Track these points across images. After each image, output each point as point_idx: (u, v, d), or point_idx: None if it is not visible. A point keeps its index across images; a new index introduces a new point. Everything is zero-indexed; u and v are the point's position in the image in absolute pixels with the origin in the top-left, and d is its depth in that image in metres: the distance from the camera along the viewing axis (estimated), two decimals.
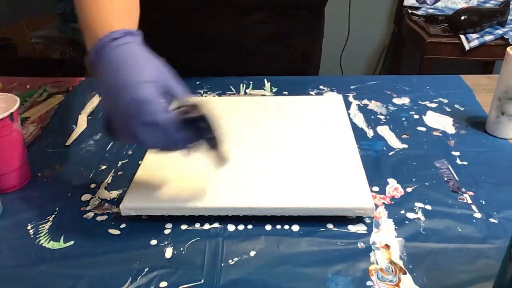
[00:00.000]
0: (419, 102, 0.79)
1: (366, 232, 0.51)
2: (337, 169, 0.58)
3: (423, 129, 0.71)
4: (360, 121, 0.74)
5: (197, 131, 0.47)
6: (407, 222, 0.53)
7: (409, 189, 0.58)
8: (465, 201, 0.56)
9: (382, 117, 0.75)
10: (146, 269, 0.47)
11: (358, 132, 0.69)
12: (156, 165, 0.60)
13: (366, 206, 0.52)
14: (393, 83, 0.86)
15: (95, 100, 0.82)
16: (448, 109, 0.77)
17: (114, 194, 0.58)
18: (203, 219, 0.53)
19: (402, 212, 0.54)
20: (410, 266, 0.47)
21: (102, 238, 0.52)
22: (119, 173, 0.62)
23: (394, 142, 0.68)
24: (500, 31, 1.59)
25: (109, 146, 0.68)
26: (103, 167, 0.64)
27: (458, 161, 0.63)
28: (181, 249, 0.50)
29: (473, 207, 0.55)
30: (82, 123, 0.75)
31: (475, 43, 1.57)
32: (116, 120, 0.47)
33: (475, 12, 1.61)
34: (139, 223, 0.54)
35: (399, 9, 1.96)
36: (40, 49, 2.06)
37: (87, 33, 0.50)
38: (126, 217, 0.54)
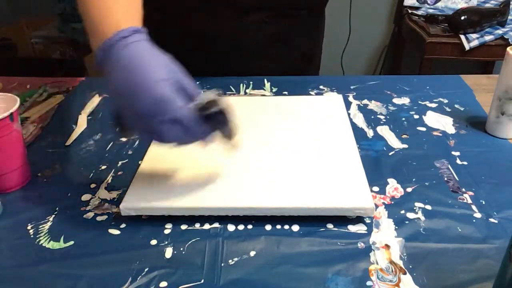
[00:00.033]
0: (419, 102, 0.79)
1: (366, 232, 0.51)
2: (337, 169, 0.58)
3: (423, 129, 0.71)
4: (360, 121, 0.74)
5: (215, 124, 0.49)
6: (407, 222, 0.53)
7: (409, 189, 0.58)
8: (465, 201, 0.56)
9: (382, 117, 0.75)
10: (146, 269, 0.47)
11: (358, 132, 0.69)
12: (156, 165, 0.60)
13: (366, 206, 0.52)
14: (393, 83, 0.86)
15: (95, 100, 0.82)
16: (448, 109, 0.77)
17: (114, 194, 0.58)
18: (203, 219, 0.53)
19: (402, 212, 0.54)
20: (410, 266, 0.47)
21: (102, 238, 0.52)
22: (119, 173, 0.62)
23: (394, 142, 0.68)
24: (500, 31, 1.59)
25: (109, 146, 0.68)
26: (103, 167, 0.64)
27: (458, 161, 0.63)
28: (181, 249, 0.50)
29: (473, 207, 0.55)
30: (82, 123, 0.75)
31: (475, 43, 1.57)
32: (133, 119, 0.48)
33: (475, 12, 1.61)
34: (139, 223, 0.54)
35: (399, 9, 1.96)
36: (40, 49, 2.06)
37: (93, 32, 0.50)
38: (126, 217, 0.54)
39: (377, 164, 0.63)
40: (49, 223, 0.54)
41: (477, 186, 0.58)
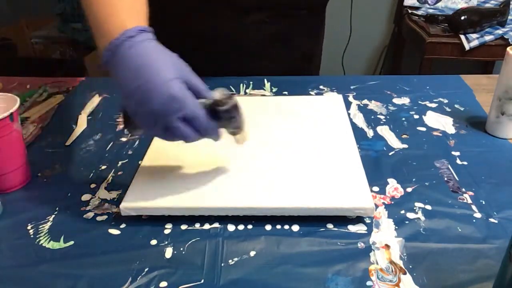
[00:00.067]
0: (419, 102, 0.79)
1: (366, 232, 0.51)
2: (337, 169, 0.58)
3: (423, 129, 0.71)
4: (360, 121, 0.74)
5: (226, 120, 0.51)
6: (407, 222, 0.53)
7: (409, 189, 0.58)
8: (465, 201, 0.56)
9: (382, 117, 0.75)
10: (146, 269, 0.47)
11: (358, 132, 0.69)
12: (156, 165, 0.60)
13: (366, 206, 0.52)
14: (393, 83, 0.86)
15: (95, 100, 0.82)
16: (448, 109, 0.77)
17: (114, 194, 0.58)
18: (203, 219, 0.53)
19: (402, 212, 0.54)
20: (410, 266, 0.47)
21: (102, 238, 0.52)
22: (119, 173, 0.62)
23: (394, 142, 0.68)
24: (500, 31, 1.59)
25: (109, 146, 0.68)
26: (103, 167, 0.64)
27: (458, 161, 0.63)
28: (181, 249, 0.50)
29: (473, 207, 0.55)
30: (82, 123, 0.75)
31: (475, 43, 1.57)
32: (145, 117, 0.48)
33: (475, 12, 1.61)
34: (139, 223, 0.54)
35: (399, 9, 1.96)
36: (40, 49, 2.06)
37: (98, 31, 0.50)
38: (126, 217, 0.54)
39: (377, 164, 0.63)
40: (49, 223, 0.54)
41: (477, 186, 0.58)
